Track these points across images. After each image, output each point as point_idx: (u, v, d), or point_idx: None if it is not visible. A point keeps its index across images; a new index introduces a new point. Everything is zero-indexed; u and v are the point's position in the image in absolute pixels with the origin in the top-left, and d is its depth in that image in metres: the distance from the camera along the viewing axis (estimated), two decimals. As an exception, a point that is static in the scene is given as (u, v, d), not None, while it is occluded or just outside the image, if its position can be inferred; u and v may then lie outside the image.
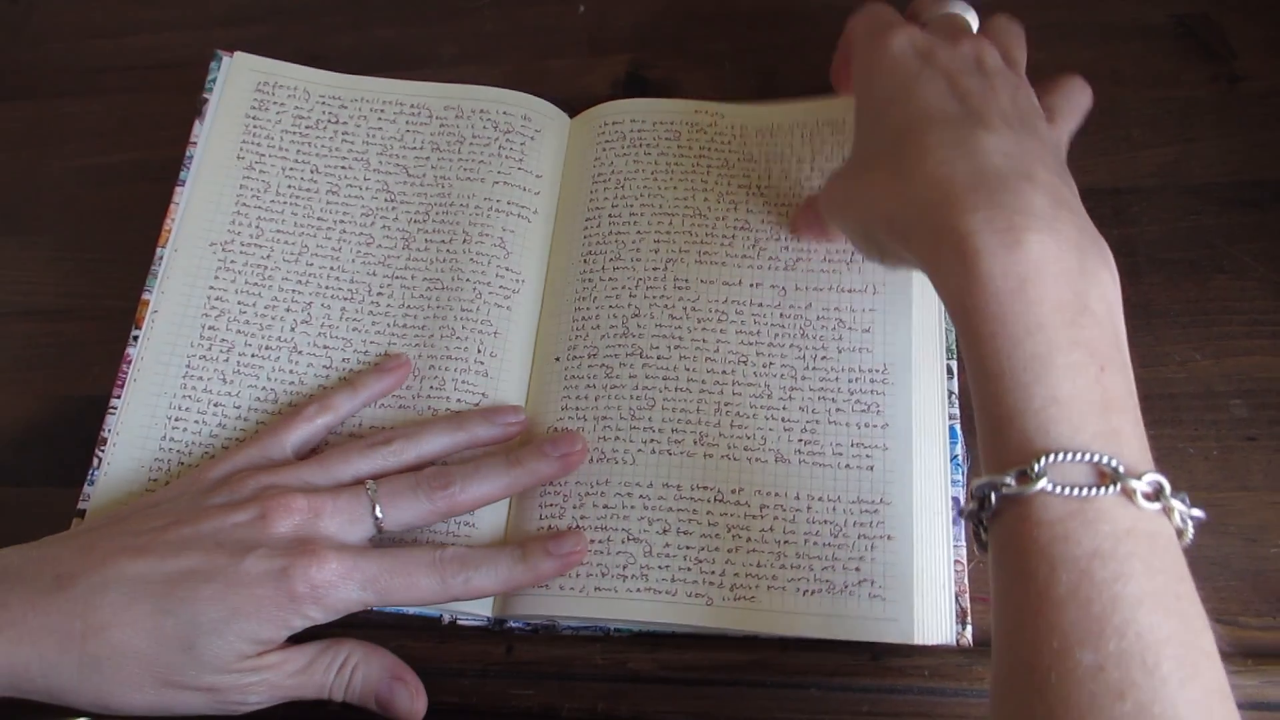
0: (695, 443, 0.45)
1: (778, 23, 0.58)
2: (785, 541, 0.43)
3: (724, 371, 0.47)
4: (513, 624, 0.45)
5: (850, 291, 0.48)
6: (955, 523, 0.44)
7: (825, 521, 0.44)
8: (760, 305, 0.48)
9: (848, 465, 0.45)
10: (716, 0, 0.60)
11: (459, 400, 0.48)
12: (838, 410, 0.46)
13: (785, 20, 0.58)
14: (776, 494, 0.44)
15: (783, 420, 0.46)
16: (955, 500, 0.44)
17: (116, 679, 0.38)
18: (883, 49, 0.40)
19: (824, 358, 0.47)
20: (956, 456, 0.45)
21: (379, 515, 0.42)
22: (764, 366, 0.47)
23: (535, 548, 0.43)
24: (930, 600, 0.42)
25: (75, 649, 0.38)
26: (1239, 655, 0.40)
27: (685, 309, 0.48)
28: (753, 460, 0.45)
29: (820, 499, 0.44)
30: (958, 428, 0.45)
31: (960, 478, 0.45)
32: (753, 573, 0.43)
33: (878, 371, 0.46)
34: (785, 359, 0.47)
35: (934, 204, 0.34)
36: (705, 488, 0.45)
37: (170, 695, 0.39)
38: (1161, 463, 0.44)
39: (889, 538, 0.43)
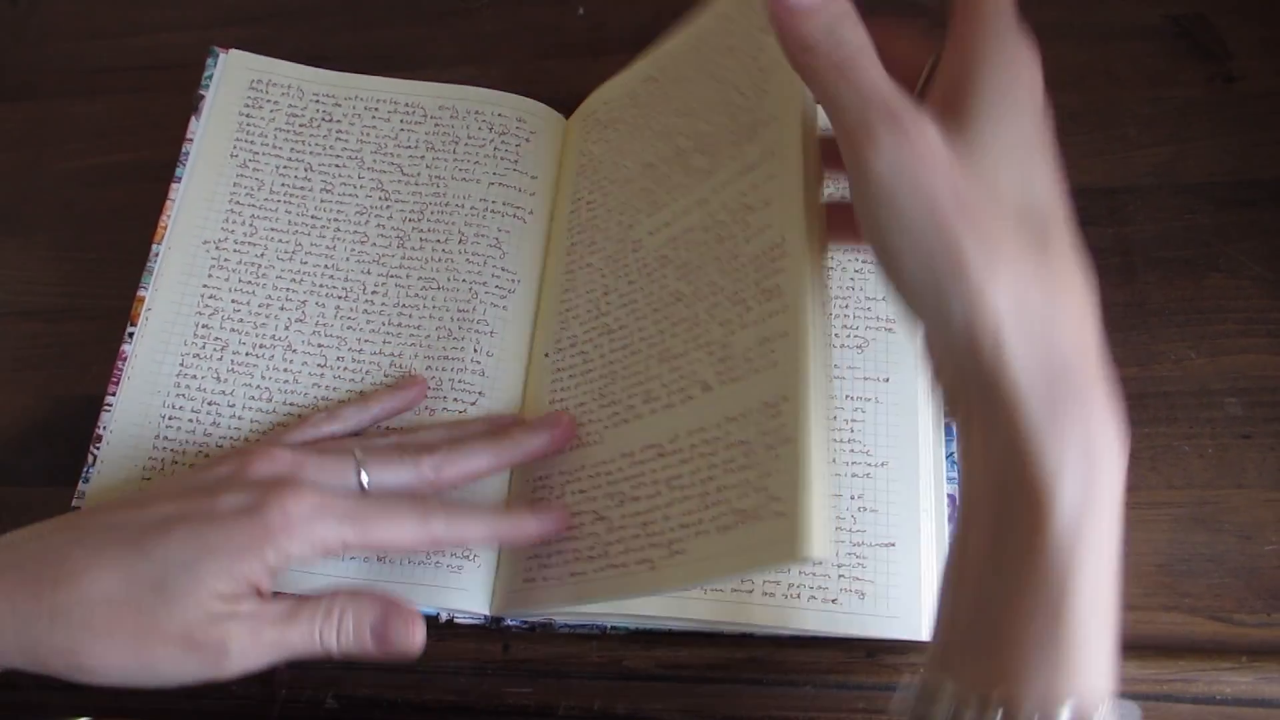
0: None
1: (774, 23, 0.58)
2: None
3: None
4: (509, 622, 0.45)
5: (851, 298, 0.48)
6: (950, 521, 0.44)
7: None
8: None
9: (850, 466, 0.45)
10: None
11: (456, 399, 0.48)
12: (838, 410, 0.46)
13: (782, 20, 0.58)
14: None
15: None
16: (950, 498, 0.44)
17: (88, 630, 0.36)
18: None
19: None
20: (952, 454, 0.45)
21: (363, 475, 0.41)
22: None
23: (519, 506, 0.43)
24: (926, 598, 0.42)
25: (46, 598, 0.36)
26: (1234, 652, 0.41)
27: (642, 272, 0.46)
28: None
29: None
30: (953, 426, 0.46)
31: (955, 476, 0.45)
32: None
33: (881, 380, 0.46)
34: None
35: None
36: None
37: (146, 651, 0.37)
38: (1156, 461, 0.45)
39: (891, 543, 0.43)
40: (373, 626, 0.39)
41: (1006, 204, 0.30)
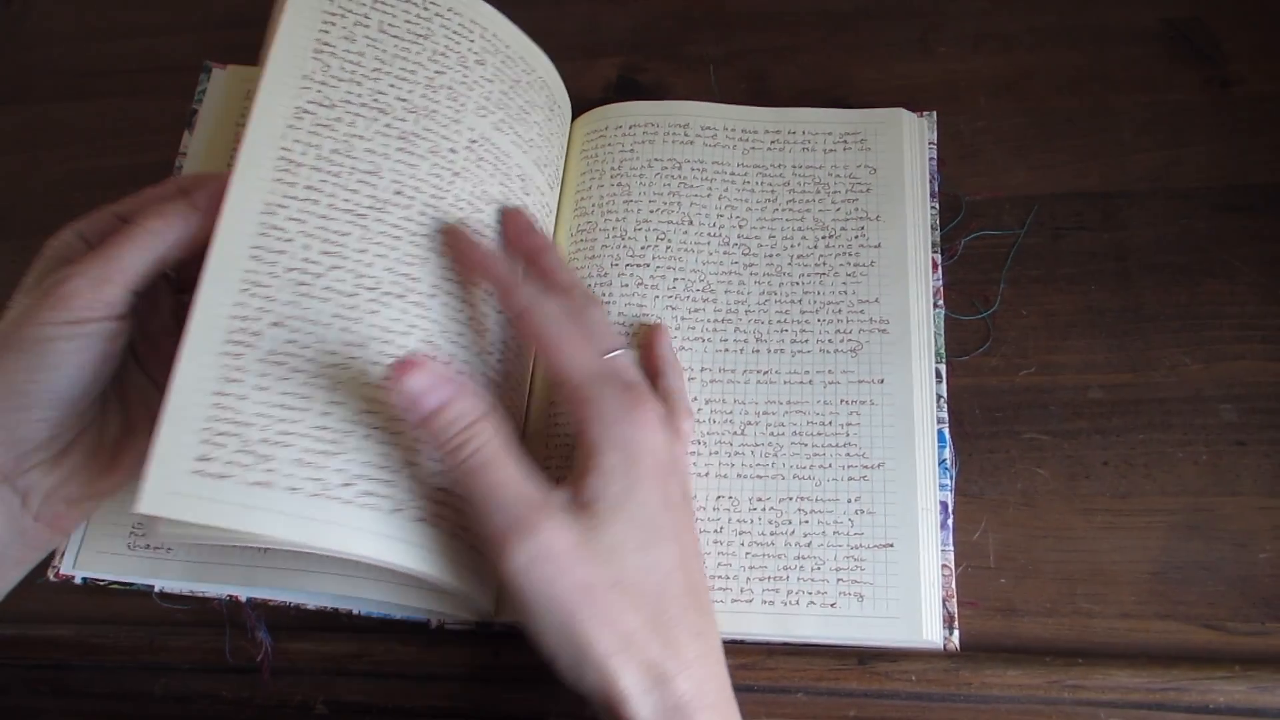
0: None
1: (768, 26, 0.58)
2: (785, 544, 0.43)
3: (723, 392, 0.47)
4: (501, 627, 0.45)
5: (848, 297, 0.48)
6: (943, 527, 0.44)
7: (825, 525, 0.44)
8: (749, 313, 0.48)
9: (847, 469, 0.45)
10: (708, 4, 0.60)
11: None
12: (836, 413, 0.46)
13: (776, 24, 0.58)
14: (781, 499, 0.44)
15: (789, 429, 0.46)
16: (943, 504, 0.44)
17: None
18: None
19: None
20: (945, 460, 0.45)
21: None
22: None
23: None
24: (925, 599, 0.42)
25: None
26: (1228, 661, 0.40)
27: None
28: (754, 468, 0.45)
29: (820, 500, 0.44)
30: (946, 432, 0.45)
31: (949, 481, 0.44)
32: (751, 575, 0.43)
33: (876, 382, 0.46)
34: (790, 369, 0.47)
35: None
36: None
37: None
38: (1151, 468, 0.45)
39: (889, 545, 0.43)
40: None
41: (629, 588, 0.36)
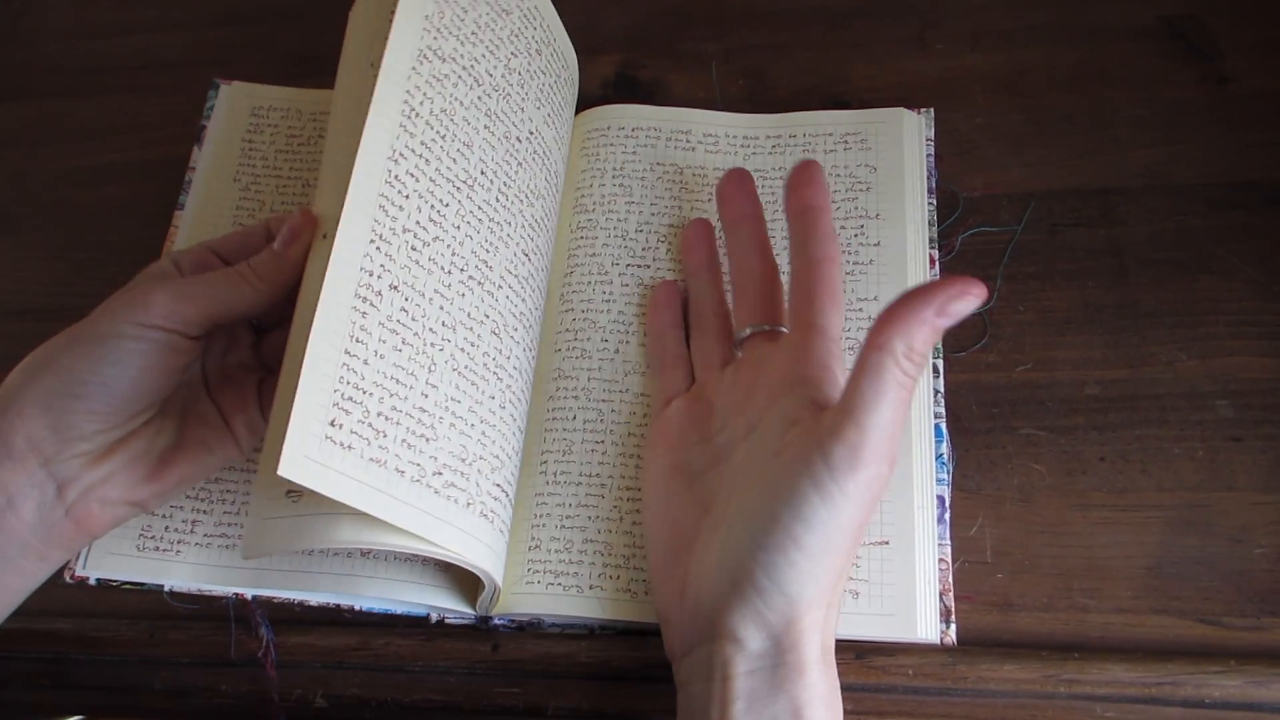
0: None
1: (767, 23, 0.58)
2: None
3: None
4: (498, 622, 0.45)
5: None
6: (940, 521, 0.44)
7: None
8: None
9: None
10: (706, 1, 0.60)
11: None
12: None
13: (775, 21, 0.58)
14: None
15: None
16: (940, 499, 0.44)
17: None
18: None
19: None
20: (942, 455, 0.45)
21: None
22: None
23: None
24: (920, 596, 0.42)
25: None
26: (1223, 656, 0.41)
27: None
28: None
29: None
30: (943, 426, 0.46)
31: (945, 476, 0.45)
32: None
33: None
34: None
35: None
36: None
37: None
38: (1147, 463, 0.45)
39: (885, 541, 0.43)
40: None
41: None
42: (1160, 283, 0.49)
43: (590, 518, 0.45)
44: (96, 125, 0.60)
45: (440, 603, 0.44)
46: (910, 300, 0.33)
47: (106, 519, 0.41)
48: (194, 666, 0.46)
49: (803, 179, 0.43)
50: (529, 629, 0.45)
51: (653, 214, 0.51)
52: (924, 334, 0.33)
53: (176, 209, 0.54)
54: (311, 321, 0.36)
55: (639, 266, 0.50)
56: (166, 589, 0.46)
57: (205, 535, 0.46)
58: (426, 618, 0.45)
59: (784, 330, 0.43)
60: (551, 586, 0.44)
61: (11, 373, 0.40)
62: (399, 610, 0.45)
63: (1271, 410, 0.45)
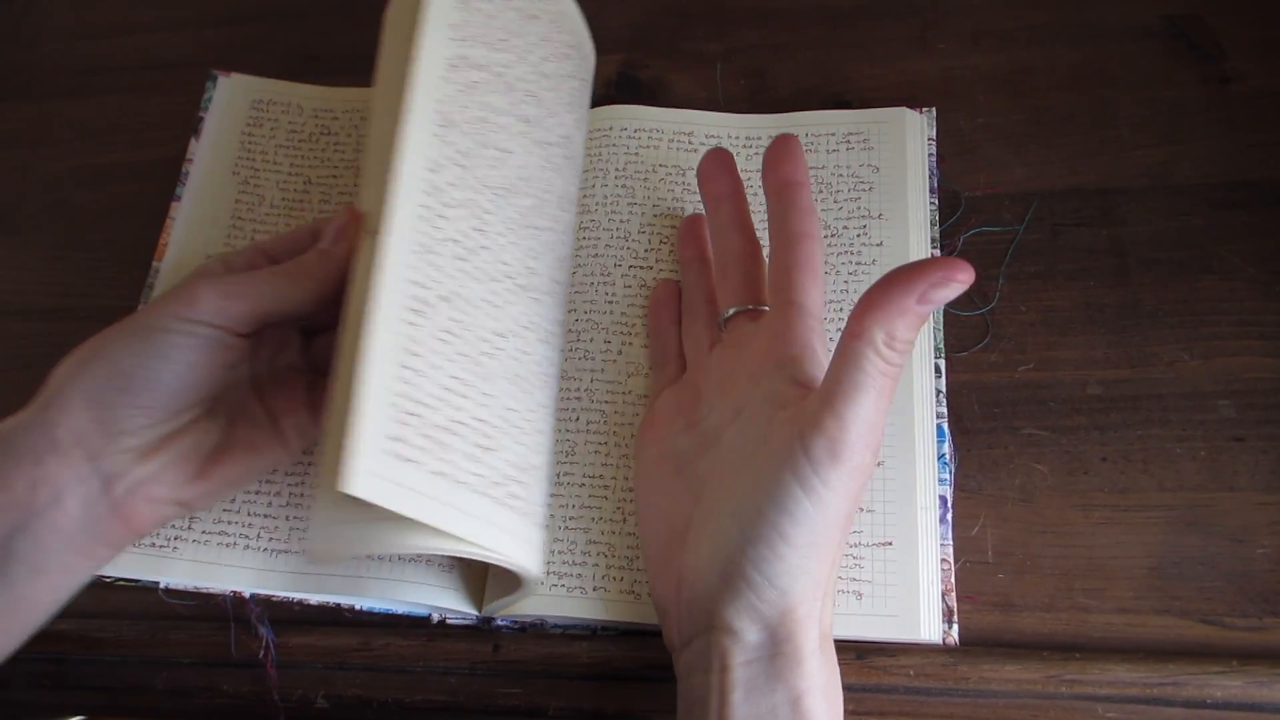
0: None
1: (769, 23, 0.58)
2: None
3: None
4: (500, 622, 0.45)
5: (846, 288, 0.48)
6: (942, 522, 0.44)
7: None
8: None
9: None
10: (708, 0, 0.60)
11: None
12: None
13: (776, 20, 0.58)
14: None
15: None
16: (942, 499, 0.44)
17: None
18: None
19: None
20: (944, 455, 0.45)
21: None
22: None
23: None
24: (923, 597, 0.42)
25: None
26: (1225, 656, 0.41)
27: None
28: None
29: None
30: (945, 426, 0.46)
31: (948, 477, 0.45)
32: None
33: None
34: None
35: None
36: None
37: None
38: (1149, 463, 0.45)
39: (888, 542, 0.43)
40: None
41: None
42: (1162, 283, 0.48)
43: (593, 519, 0.45)
44: (98, 125, 0.60)
45: (442, 602, 0.44)
46: (891, 286, 0.32)
47: (153, 517, 0.41)
48: (195, 667, 0.46)
49: (781, 154, 0.42)
50: (531, 629, 0.45)
51: (655, 215, 0.51)
52: (906, 322, 0.32)
53: (173, 200, 0.54)
54: (361, 331, 0.36)
55: (641, 268, 0.50)
56: (162, 586, 0.46)
57: (203, 532, 0.46)
58: (428, 618, 0.45)
59: (766, 309, 0.42)
60: (555, 588, 0.44)
61: (60, 364, 0.40)
62: (400, 610, 0.45)
63: (1274, 410, 0.45)
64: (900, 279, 0.32)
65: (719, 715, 0.35)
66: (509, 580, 0.42)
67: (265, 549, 0.45)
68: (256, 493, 0.46)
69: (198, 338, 0.39)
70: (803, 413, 0.35)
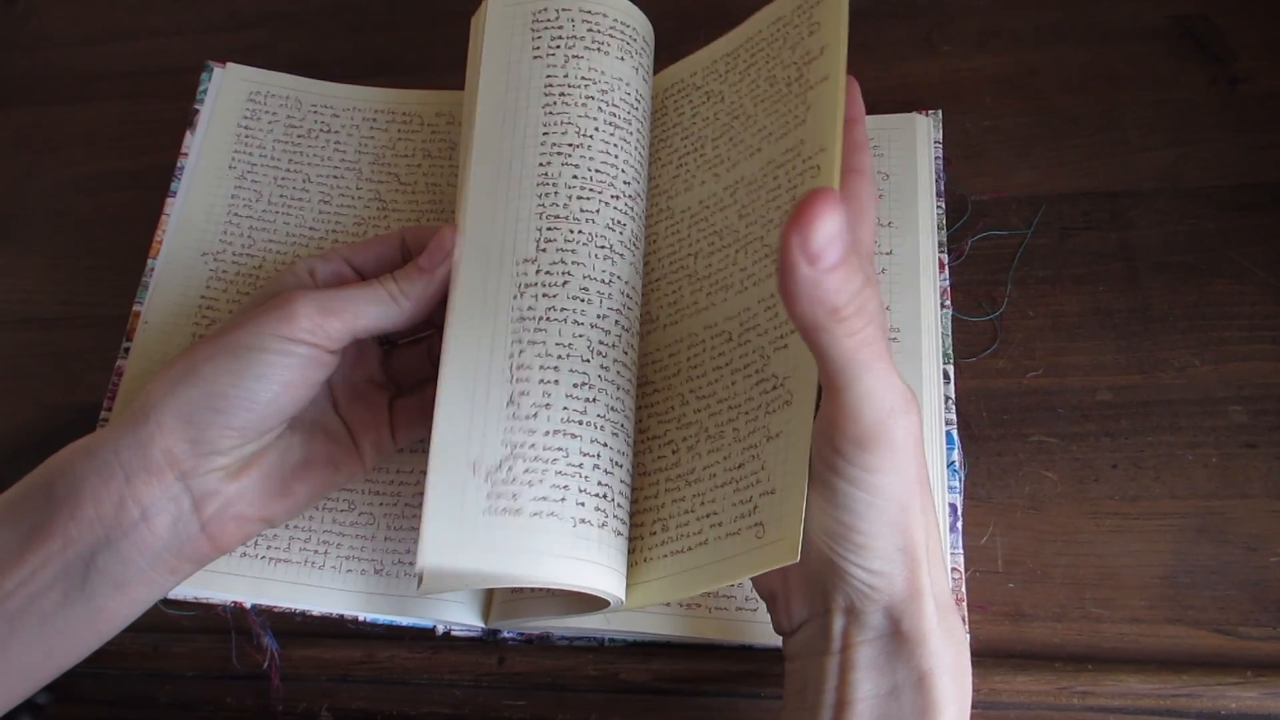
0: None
1: (773, 26, 0.58)
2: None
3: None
4: (506, 634, 0.44)
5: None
6: (952, 530, 0.43)
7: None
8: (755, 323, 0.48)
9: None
10: (710, 4, 0.59)
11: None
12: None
13: (780, 24, 0.58)
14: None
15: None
16: (952, 507, 0.44)
17: None
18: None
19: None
20: (953, 463, 0.45)
21: None
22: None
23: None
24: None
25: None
26: (1239, 667, 0.40)
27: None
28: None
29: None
30: (954, 433, 0.45)
31: (957, 484, 0.44)
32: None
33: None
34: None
35: None
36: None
37: None
38: (1160, 471, 0.44)
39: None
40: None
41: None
42: (1172, 287, 0.48)
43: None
44: (98, 131, 0.60)
45: (446, 615, 0.44)
46: (785, 275, 0.29)
47: (239, 534, 0.40)
48: (198, 679, 0.45)
49: (852, 95, 0.41)
50: (536, 641, 0.44)
51: None
52: (826, 286, 0.29)
53: (168, 196, 0.53)
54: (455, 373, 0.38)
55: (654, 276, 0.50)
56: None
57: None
58: (432, 629, 0.45)
59: None
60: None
61: (152, 382, 0.40)
62: (404, 622, 0.45)
63: (1286, 416, 0.45)
64: (784, 264, 0.29)
65: (837, 695, 0.34)
66: (541, 602, 0.42)
67: (263, 557, 0.45)
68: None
69: (294, 356, 0.39)
70: (821, 413, 0.34)
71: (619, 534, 0.39)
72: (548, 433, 0.39)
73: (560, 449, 0.39)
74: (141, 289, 0.51)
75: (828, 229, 0.28)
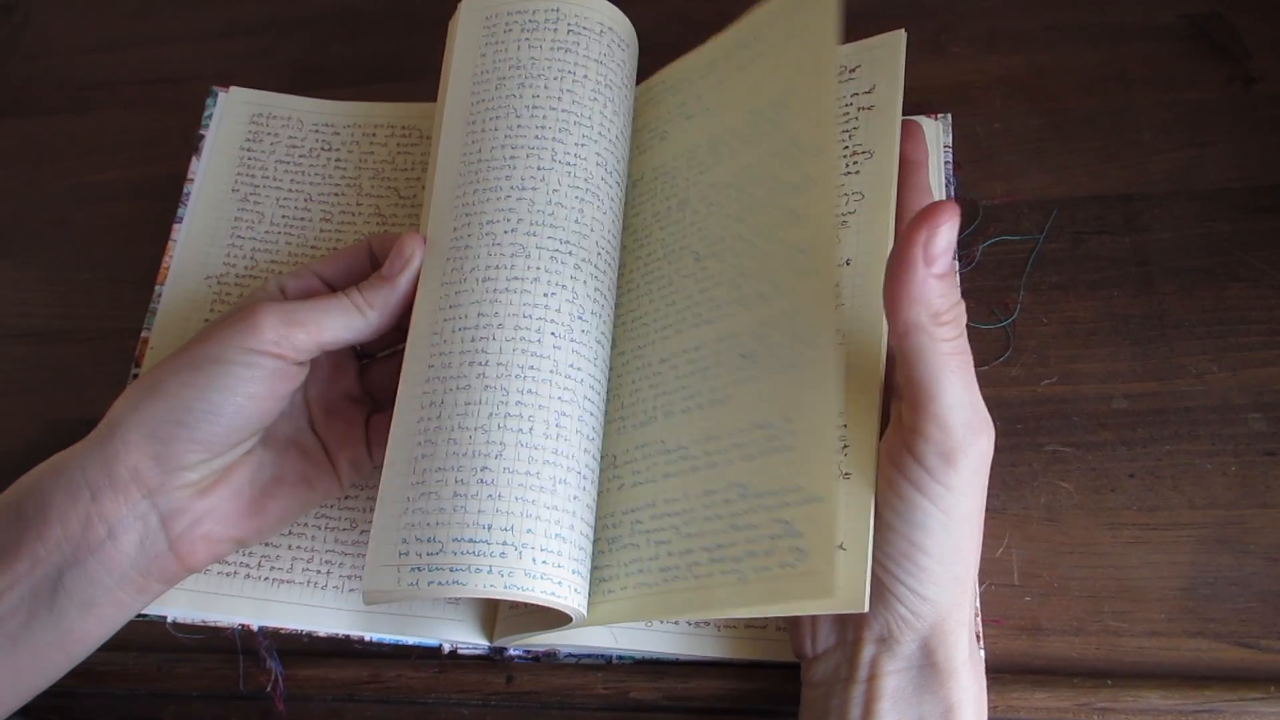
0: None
1: (778, 29, 0.57)
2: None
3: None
4: (513, 652, 0.44)
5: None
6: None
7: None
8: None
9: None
10: (715, 7, 0.58)
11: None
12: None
13: (786, 27, 0.57)
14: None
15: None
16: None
17: None
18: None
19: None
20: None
21: None
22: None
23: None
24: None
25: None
26: (1262, 681, 0.39)
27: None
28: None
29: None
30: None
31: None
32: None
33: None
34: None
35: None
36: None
37: None
38: (1178, 480, 0.44)
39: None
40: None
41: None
42: (1188, 291, 0.47)
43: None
44: (98, 141, 0.60)
45: (450, 634, 0.43)
46: (898, 271, 0.31)
47: (209, 553, 0.40)
48: (203, 700, 0.45)
49: (903, 133, 0.41)
50: (544, 660, 0.44)
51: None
52: (935, 290, 0.31)
53: (175, 223, 0.52)
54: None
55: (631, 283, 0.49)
56: (170, 619, 0.45)
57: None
58: (439, 648, 0.44)
59: None
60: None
61: (119, 398, 0.39)
62: (410, 641, 0.44)
63: (1306, 423, 0.44)
64: (898, 260, 0.31)
65: None
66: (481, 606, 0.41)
67: (266, 578, 0.44)
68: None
69: (259, 368, 0.38)
70: (901, 425, 0.34)
71: (581, 549, 0.39)
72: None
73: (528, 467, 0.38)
74: (149, 315, 0.50)
75: (948, 237, 0.31)
